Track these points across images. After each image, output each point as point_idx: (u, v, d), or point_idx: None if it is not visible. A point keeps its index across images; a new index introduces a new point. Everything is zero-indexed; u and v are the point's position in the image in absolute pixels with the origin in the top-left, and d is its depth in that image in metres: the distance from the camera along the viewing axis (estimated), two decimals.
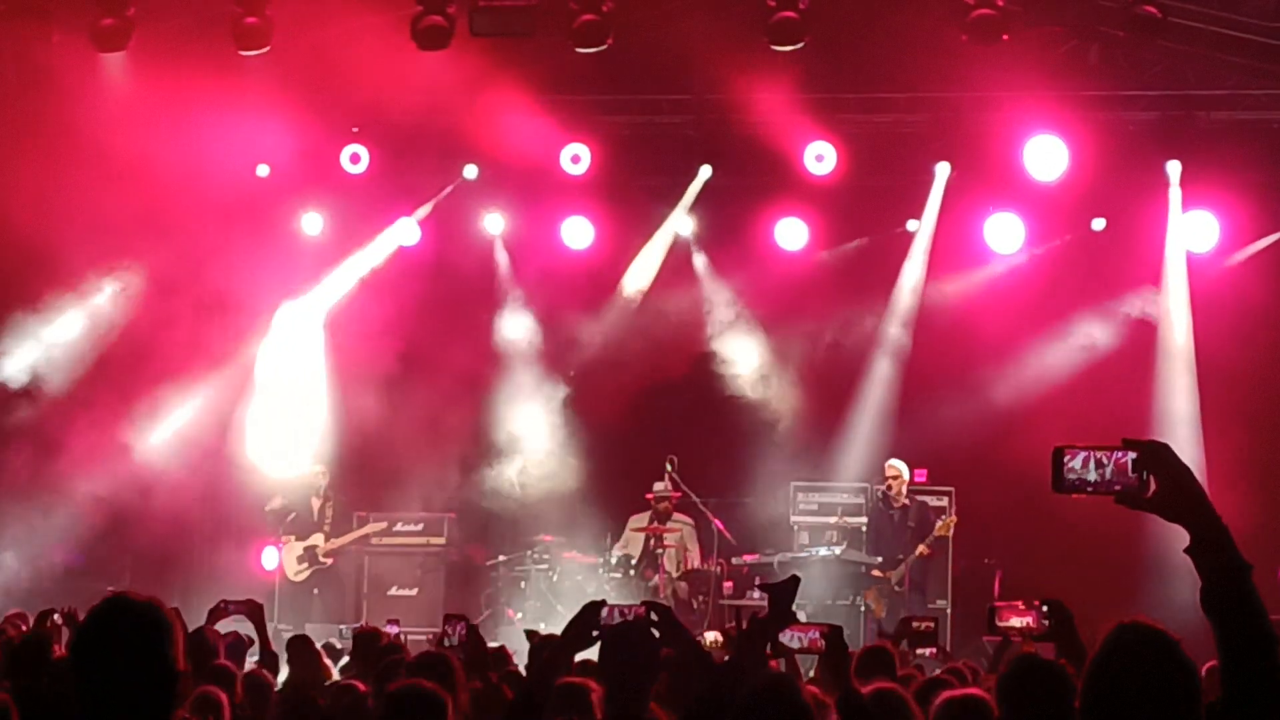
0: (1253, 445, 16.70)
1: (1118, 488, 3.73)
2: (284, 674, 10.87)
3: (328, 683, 9.94)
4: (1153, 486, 3.69)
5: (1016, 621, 6.79)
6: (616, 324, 19.27)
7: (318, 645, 10.97)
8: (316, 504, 18.38)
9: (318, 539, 18.26)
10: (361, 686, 7.98)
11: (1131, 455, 3.72)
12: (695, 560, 17.97)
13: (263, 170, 18.50)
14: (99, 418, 17.67)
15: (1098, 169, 17.15)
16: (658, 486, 17.85)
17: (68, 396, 18.14)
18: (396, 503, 18.71)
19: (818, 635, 6.68)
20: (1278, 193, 17.46)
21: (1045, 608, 6.58)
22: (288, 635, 15.87)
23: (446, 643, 8.85)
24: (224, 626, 9.73)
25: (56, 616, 10.53)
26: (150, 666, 3.85)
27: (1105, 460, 3.74)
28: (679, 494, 17.84)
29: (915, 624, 9.75)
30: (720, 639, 8.53)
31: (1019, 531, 16.61)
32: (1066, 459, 3.79)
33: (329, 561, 18.25)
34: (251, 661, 9.70)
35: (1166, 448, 3.70)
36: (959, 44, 15.32)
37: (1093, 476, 3.75)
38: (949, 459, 17.93)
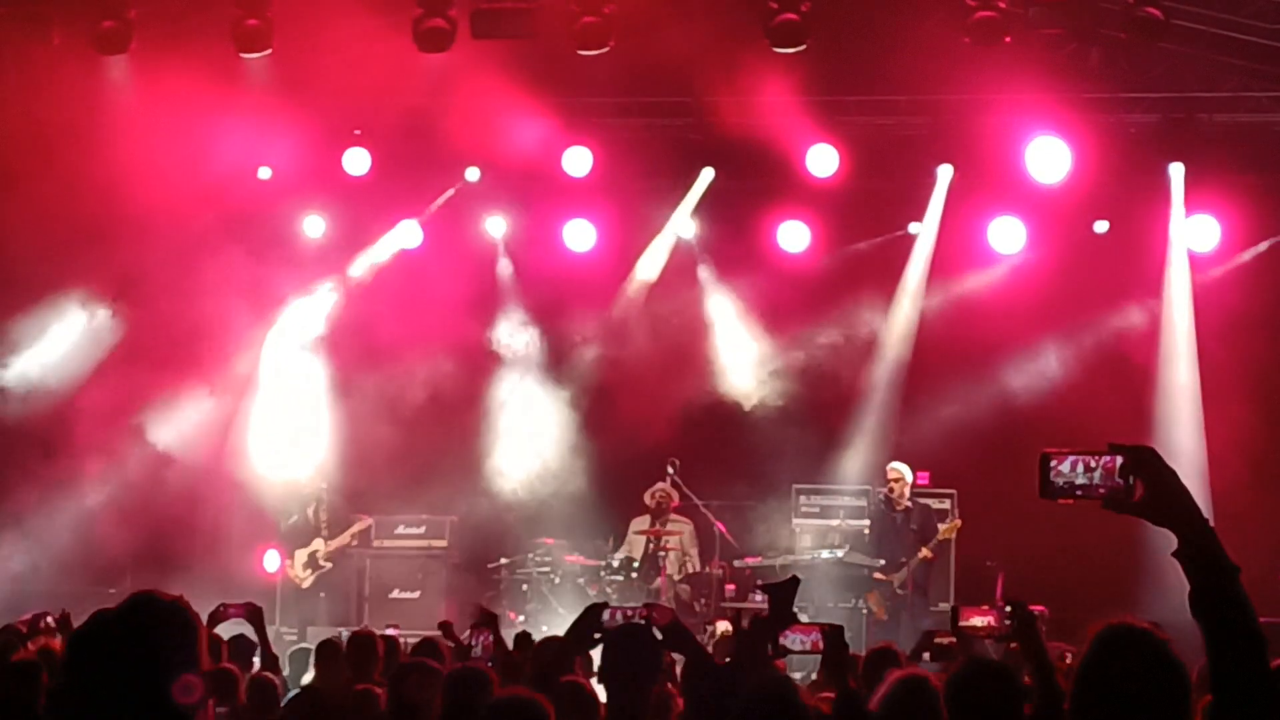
0: (1256, 446, 16.68)
1: (1104, 492, 3.72)
2: (309, 676, 10.88)
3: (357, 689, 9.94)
4: (1139, 491, 3.68)
5: (978, 621, 6.78)
6: (618, 326, 19.26)
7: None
8: (313, 509, 18.39)
9: (318, 543, 18.28)
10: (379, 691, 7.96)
11: (1118, 460, 3.71)
12: (694, 564, 17.96)
13: (264, 173, 18.49)
14: (100, 420, 17.68)
15: (1099, 171, 17.13)
16: (656, 486, 17.89)
17: (69, 399, 18.16)
18: (398, 505, 18.70)
19: (819, 636, 6.67)
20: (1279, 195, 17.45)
21: (1008, 608, 6.56)
22: (290, 639, 15.95)
23: (473, 653, 8.67)
24: (227, 629, 9.71)
25: (50, 619, 10.50)
26: (180, 666, 3.84)
27: (1092, 465, 3.74)
28: (678, 502, 17.87)
29: (939, 639, 9.68)
30: (730, 629, 8.52)
31: (1021, 534, 16.57)
32: (1053, 464, 3.79)
33: (329, 565, 18.25)
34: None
35: (1152, 451, 3.70)
36: (960, 46, 15.31)
37: (1080, 481, 3.75)
38: (951, 462, 17.92)
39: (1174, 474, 3.67)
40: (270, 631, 10.47)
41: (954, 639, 9.57)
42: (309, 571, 18.23)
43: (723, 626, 14.93)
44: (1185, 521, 3.62)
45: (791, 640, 6.47)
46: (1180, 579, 3.64)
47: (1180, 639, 3.98)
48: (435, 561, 18.47)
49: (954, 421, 18.22)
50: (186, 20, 15.99)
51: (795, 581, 6.24)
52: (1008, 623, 6.52)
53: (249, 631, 9.70)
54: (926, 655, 9.55)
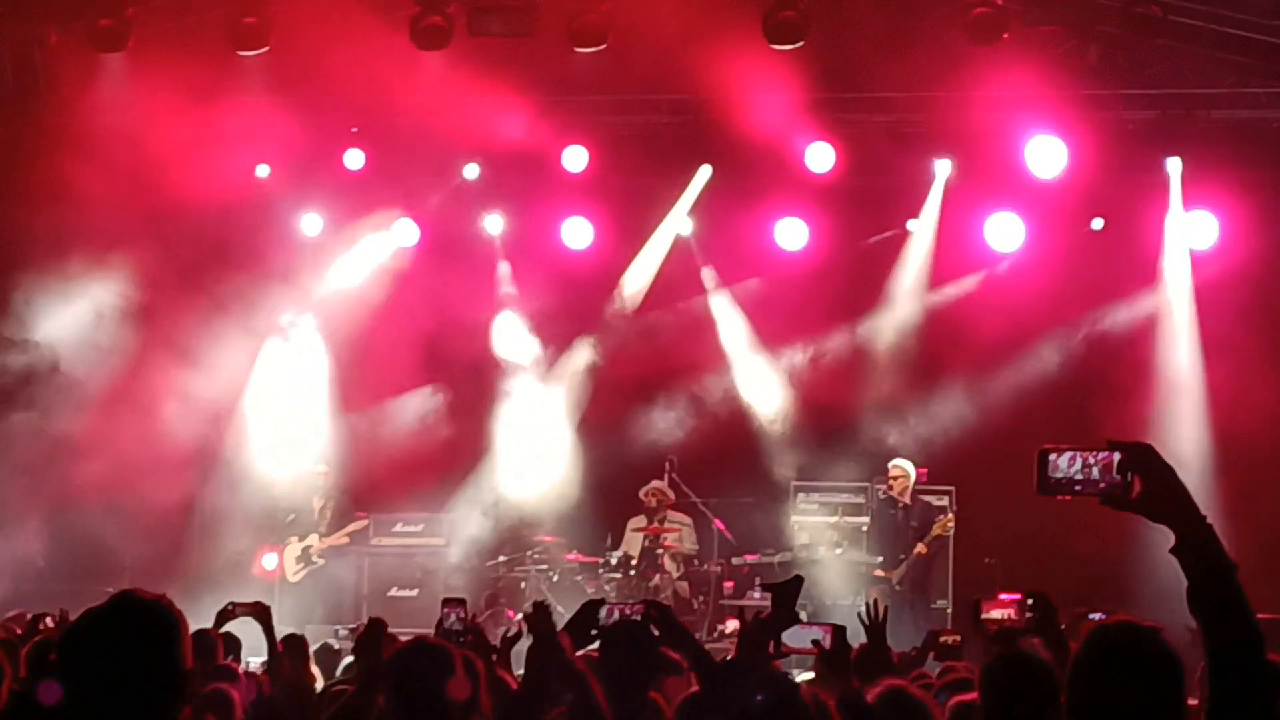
0: (1255, 442, 16.67)
1: (1103, 487, 3.71)
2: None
3: (324, 687, 9.91)
4: (1137, 487, 3.67)
5: (998, 613, 6.79)
6: (616, 323, 19.25)
7: (313, 647, 10.92)
8: (318, 504, 18.38)
9: (313, 539, 18.27)
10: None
11: (1116, 456, 3.70)
12: (693, 547, 17.94)
13: (262, 171, 18.48)
14: (97, 417, 17.66)
15: (1097, 168, 17.12)
16: (650, 484, 17.90)
17: (66, 396, 18.14)
18: (397, 503, 18.69)
19: (821, 635, 6.67)
20: (1278, 190, 17.43)
21: (1030, 600, 6.56)
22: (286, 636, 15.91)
23: (447, 626, 8.74)
24: (230, 628, 9.68)
25: (49, 620, 10.45)
26: (160, 664, 3.83)
27: (1090, 461, 3.73)
28: (674, 499, 17.88)
29: (944, 638, 9.67)
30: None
31: (1020, 531, 16.58)
32: (1051, 459, 3.78)
33: (321, 561, 18.24)
34: (258, 664, 9.66)
35: (1150, 448, 3.70)
36: (958, 43, 15.31)
37: (1078, 477, 3.74)
38: (950, 458, 17.92)
39: (1172, 470, 3.66)
40: None
41: (958, 638, 9.56)
42: (301, 565, 18.21)
43: (733, 625, 14.92)
44: (1183, 518, 3.62)
45: (793, 639, 6.46)
46: (1178, 576, 3.64)
47: (1177, 636, 3.97)
48: (434, 559, 18.45)
49: (952, 418, 18.23)
50: (184, 18, 15.99)
51: (798, 581, 6.23)
52: (1028, 615, 6.51)
53: (254, 630, 9.67)
54: (931, 655, 9.54)
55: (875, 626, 6.66)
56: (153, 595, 3.94)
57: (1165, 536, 3.67)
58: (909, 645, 10.48)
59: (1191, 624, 3.66)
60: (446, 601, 8.53)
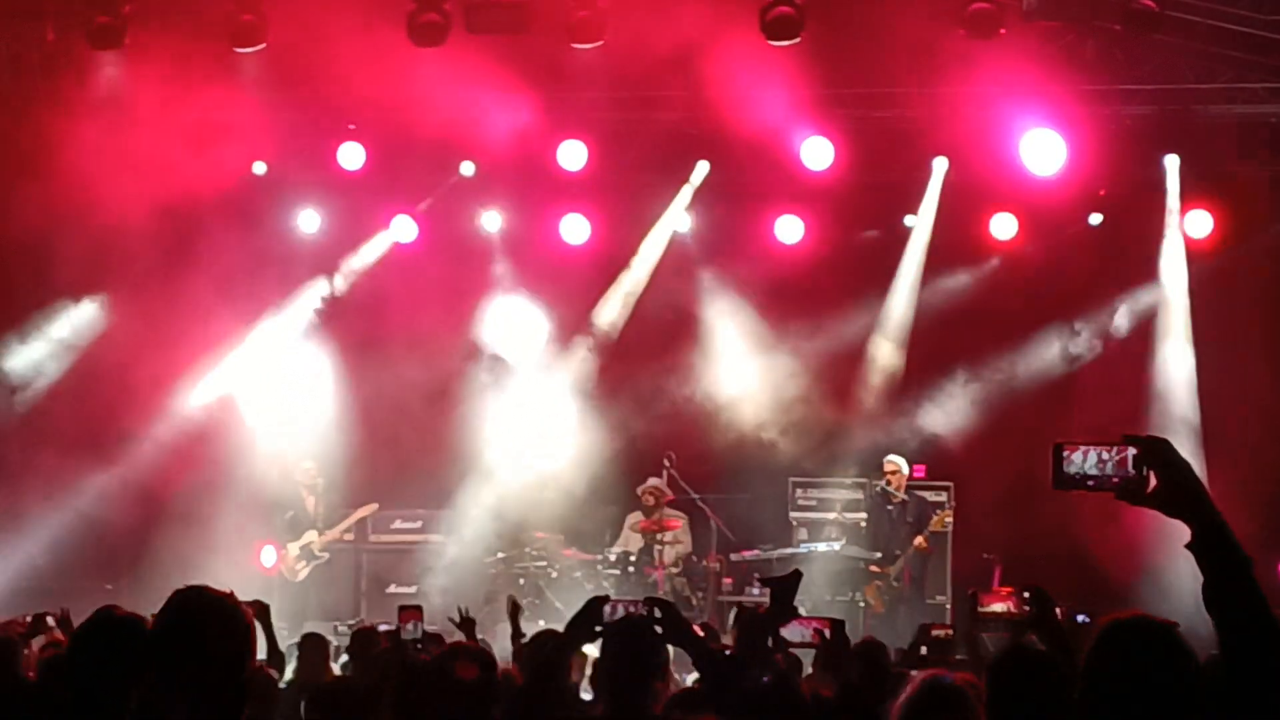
0: (1252, 437, 16.69)
1: (1117, 483, 3.71)
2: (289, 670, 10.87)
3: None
4: (1153, 482, 3.67)
5: (997, 607, 6.81)
6: (614, 320, 19.25)
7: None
8: (311, 502, 18.37)
9: (312, 535, 18.27)
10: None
11: (1132, 451, 3.69)
12: (686, 548, 17.96)
13: (259, 168, 18.46)
14: (95, 414, 17.66)
15: (1095, 163, 17.12)
16: (648, 482, 17.90)
17: (64, 393, 18.14)
18: (395, 499, 18.69)
19: (819, 629, 6.68)
20: (1275, 187, 17.44)
21: (1026, 594, 6.58)
22: (286, 633, 15.92)
23: (406, 637, 8.75)
24: None
25: (50, 619, 10.41)
26: (233, 658, 3.86)
27: (1105, 456, 3.73)
28: (672, 495, 17.88)
29: (935, 632, 9.70)
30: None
31: (1018, 526, 16.61)
32: (1066, 454, 3.77)
33: (325, 555, 18.25)
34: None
35: (1167, 443, 3.69)
36: (956, 39, 15.30)
37: (1093, 472, 3.74)
38: (947, 454, 17.93)
39: (1188, 466, 3.66)
40: None
41: (950, 631, 9.59)
42: (303, 564, 18.22)
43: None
44: (1199, 514, 3.61)
45: (791, 633, 6.47)
46: (1176, 570, 3.66)
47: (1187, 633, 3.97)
48: (432, 556, 18.46)
49: (950, 414, 18.24)
50: (181, 15, 15.97)
51: (797, 576, 6.25)
52: (1026, 609, 6.53)
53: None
54: (924, 650, 9.56)
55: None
56: (219, 591, 3.97)
57: (1164, 535, 3.67)
58: (906, 642, 10.51)
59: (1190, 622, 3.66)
60: (402, 610, 8.51)
